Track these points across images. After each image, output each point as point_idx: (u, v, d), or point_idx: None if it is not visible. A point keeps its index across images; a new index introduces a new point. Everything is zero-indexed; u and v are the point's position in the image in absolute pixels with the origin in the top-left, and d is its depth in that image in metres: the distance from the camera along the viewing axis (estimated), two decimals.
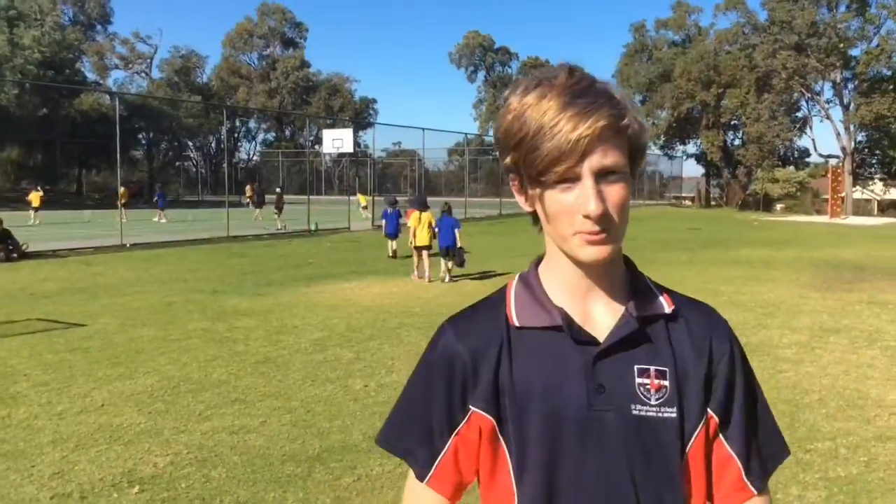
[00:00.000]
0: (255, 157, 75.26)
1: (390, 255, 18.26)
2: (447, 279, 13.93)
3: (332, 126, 41.99)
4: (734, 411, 1.17)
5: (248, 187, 37.68)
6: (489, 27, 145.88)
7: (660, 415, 1.12)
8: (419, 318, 9.70)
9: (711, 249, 20.40)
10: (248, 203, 36.15)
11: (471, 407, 1.17)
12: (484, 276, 14.33)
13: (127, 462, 4.83)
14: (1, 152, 54.70)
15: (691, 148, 61.56)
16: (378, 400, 6.15)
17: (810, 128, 55.06)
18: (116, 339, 8.50)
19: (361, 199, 35.95)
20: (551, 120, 1.04)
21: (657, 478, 1.12)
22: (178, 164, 69.78)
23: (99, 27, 65.76)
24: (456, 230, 13.92)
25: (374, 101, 79.28)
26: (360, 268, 15.73)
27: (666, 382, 1.13)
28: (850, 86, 49.69)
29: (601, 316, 1.16)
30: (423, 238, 14.24)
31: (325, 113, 66.02)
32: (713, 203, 58.92)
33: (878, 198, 58.07)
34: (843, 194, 44.24)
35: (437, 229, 14.23)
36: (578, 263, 1.14)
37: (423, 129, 35.31)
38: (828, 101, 51.42)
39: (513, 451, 1.15)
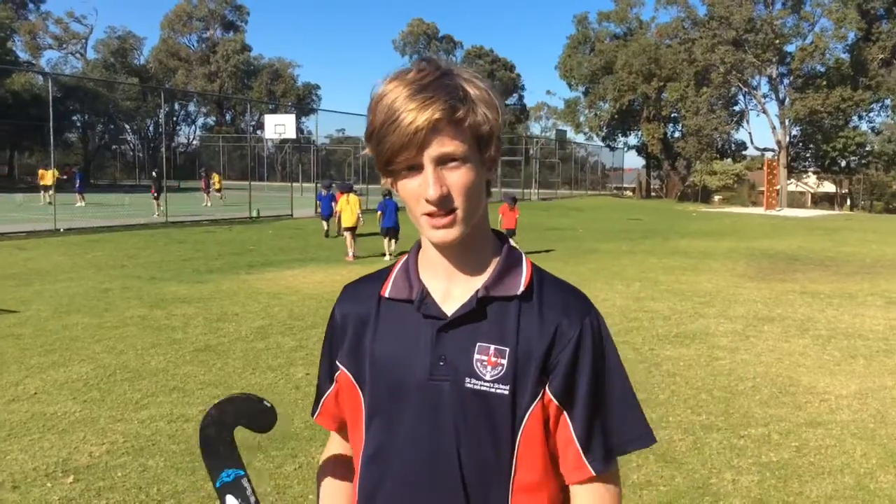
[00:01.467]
0: (194, 142, 73.81)
1: (327, 233, 19.93)
2: (388, 256, 15.11)
3: (274, 111, 41.39)
4: (578, 395, 1.21)
5: (215, 175, 36.54)
6: (433, 15, 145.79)
7: (492, 390, 1.19)
8: None
9: (651, 240, 20.77)
10: (218, 191, 35.23)
11: (337, 362, 1.35)
12: None
13: (61, 451, 4.71)
14: None
15: (632, 139, 62.53)
16: None
17: (747, 121, 56.45)
18: (50, 325, 8.27)
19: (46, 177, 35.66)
20: (393, 113, 1.15)
21: (483, 446, 1.21)
22: (114, 147, 67.95)
23: (31, 6, 63.42)
24: (399, 212, 15.10)
25: (318, 87, 78.44)
26: (303, 255, 15.58)
27: (503, 361, 1.20)
28: (786, 81, 50.95)
29: (459, 294, 1.25)
30: (348, 219, 15.61)
31: (267, 98, 65.07)
32: (653, 194, 60.00)
33: (812, 190, 59.91)
34: (778, 187, 45.50)
35: (380, 212, 15.49)
36: (434, 244, 1.25)
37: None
38: (764, 96, 52.69)
39: (366, 403, 1.29)
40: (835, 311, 9.93)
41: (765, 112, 52.26)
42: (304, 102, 69.60)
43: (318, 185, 25.80)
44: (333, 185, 21.58)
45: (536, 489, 1.23)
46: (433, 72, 1.17)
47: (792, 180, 54.34)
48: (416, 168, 1.17)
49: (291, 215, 27.29)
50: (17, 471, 4.42)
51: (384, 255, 15.34)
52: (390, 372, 1.25)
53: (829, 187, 58.12)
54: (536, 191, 50.70)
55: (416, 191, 1.18)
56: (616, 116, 57.52)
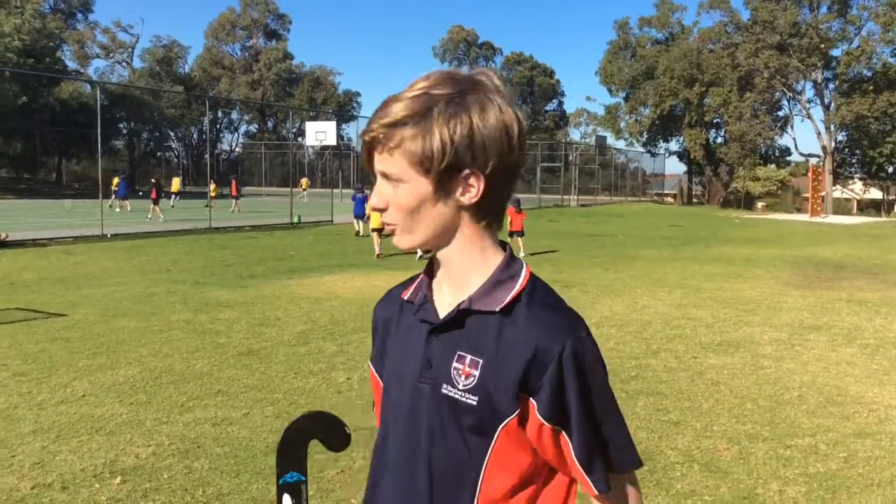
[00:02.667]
0: (237, 149, 74.85)
1: (357, 233, 21.99)
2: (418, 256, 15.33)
3: (315, 118, 41.78)
4: (571, 417, 1.21)
5: (233, 182, 37.54)
6: (473, 22, 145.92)
7: (463, 399, 1.23)
8: None
9: (693, 246, 20.53)
10: (234, 197, 35.92)
11: (370, 363, 1.46)
12: None
13: (108, 453, 4.80)
14: None
15: (674, 145, 61.95)
16: (361, 393, 6.14)
17: (791, 127, 55.69)
18: (97, 329, 8.43)
19: (175, 185, 39.93)
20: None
21: (450, 450, 1.25)
22: (159, 154, 69.22)
23: (80, 15, 65.05)
24: None
25: (358, 94, 79.14)
26: (343, 261, 15.69)
27: (476, 372, 1.23)
28: (831, 86, 50.14)
29: (453, 303, 1.29)
30: (376, 220, 16.03)
31: (308, 105, 65.72)
32: (695, 200, 59.30)
33: (858, 197, 58.66)
34: (823, 193, 44.68)
35: None
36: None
37: None
38: (809, 101, 51.89)
39: (382, 400, 1.39)
40: (883, 319, 9.71)
41: (809, 117, 51.46)
42: (344, 109, 70.19)
43: (355, 190, 27.03)
44: (366, 188, 22.85)
45: (511, 495, 1.25)
46: (419, 88, 1.22)
47: (837, 186, 53.33)
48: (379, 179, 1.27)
49: (331, 221, 27.51)
50: (66, 471, 4.51)
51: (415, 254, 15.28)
52: (395, 371, 1.35)
53: (875, 194, 56.88)
54: (576, 197, 50.43)
55: None
56: (657, 122, 57.02)
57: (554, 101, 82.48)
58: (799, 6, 47.85)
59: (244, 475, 4.47)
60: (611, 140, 61.79)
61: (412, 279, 1.42)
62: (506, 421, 1.22)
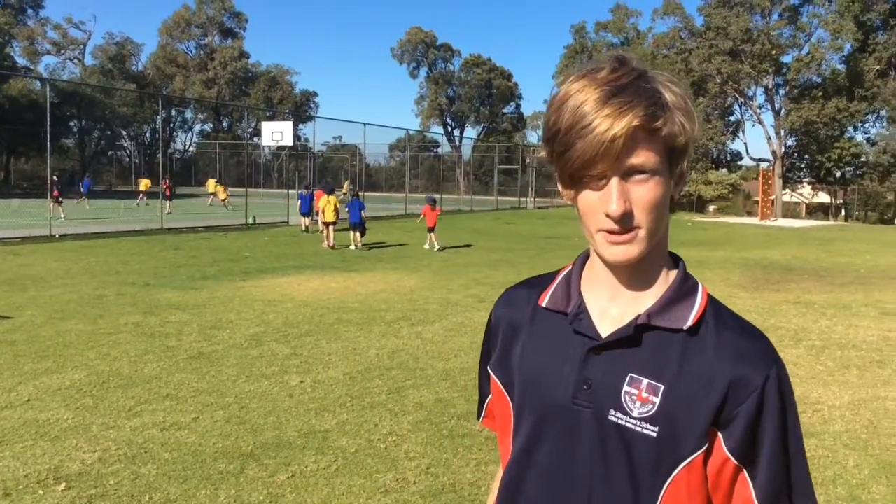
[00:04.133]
0: (191, 148, 73.84)
1: (303, 229, 23.64)
2: (355, 248, 18.47)
3: (271, 118, 41.40)
4: (761, 455, 1.07)
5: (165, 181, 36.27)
6: (432, 23, 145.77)
7: (638, 429, 1.07)
8: (357, 314, 9.65)
9: None
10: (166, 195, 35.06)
11: (488, 368, 1.29)
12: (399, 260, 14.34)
13: (53, 458, 4.70)
14: None
15: None
16: (314, 396, 6.10)
17: (743, 132, 56.67)
18: (44, 332, 8.25)
19: (210, 186, 39.42)
20: (584, 117, 1.03)
21: (618, 489, 1.08)
22: (110, 153, 67.96)
23: (30, 11, 63.53)
24: (362, 211, 18.94)
25: (315, 94, 78.79)
26: (299, 262, 15.57)
27: (656, 398, 1.07)
28: (782, 91, 51.19)
29: (619, 316, 1.14)
30: (329, 215, 19.26)
31: (265, 105, 65.13)
32: None
33: (807, 201, 60.08)
34: (773, 197, 45.64)
35: (347, 209, 19.17)
36: (604, 261, 1.13)
37: (365, 124, 35.02)
38: (760, 106, 52.94)
39: (514, 413, 1.21)
40: (828, 321, 9.94)
41: (760, 122, 52.48)
42: (301, 109, 69.69)
43: (301, 188, 29.28)
44: (312, 187, 25.81)
45: None
46: (628, 73, 1.06)
47: (787, 190, 54.51)
48: (598, 178, 1.06)
49: (287, 222, 27.28)
50: (8, 478, 4.40)
51: (349, 246, 18.64)
52: (536, 385, 1.17)
53: (823, 198, 58.30)
54: (533, 199, 50.77)
55: (596, 204, 1.07)
56: None
57: (511, 103, 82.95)
58: (751, 13, 48.82)
59: (192, 480, 4.41)
60: None
61: (540, 280, 1.30)
62: (690, 458, 1.06)
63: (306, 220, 23.97)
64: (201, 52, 71.67)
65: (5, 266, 13.79)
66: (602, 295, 1.16)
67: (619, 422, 1.08)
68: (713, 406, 1.05)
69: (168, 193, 33.38)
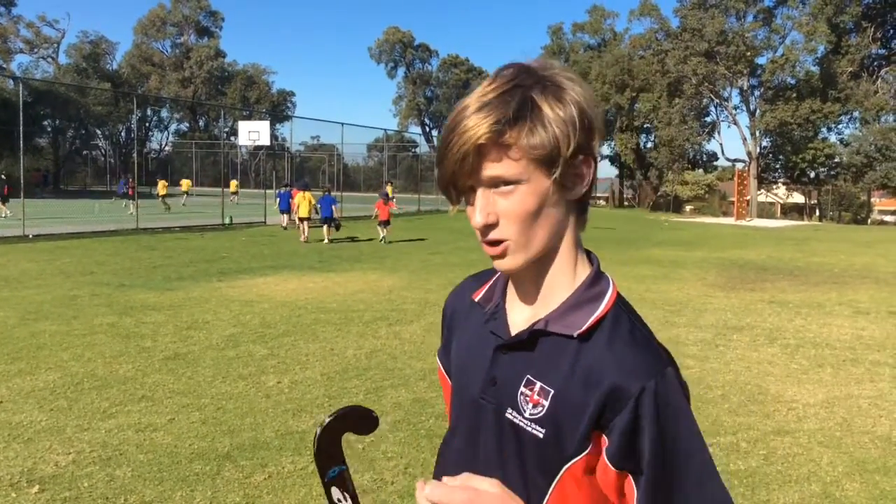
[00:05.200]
0: (167, 148, 73.22)
1: (283, 227, 24.80)
2: (327, 240, 20.14)
3: (248, 118, 41.16)
4: (642, 465, 1.05)
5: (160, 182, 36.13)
6: (409, 23, 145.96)
7: (528, 429, 1.10)
8: (335, 314, 9.62)
9: (624, 249, 20.92)
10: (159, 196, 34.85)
11: (437, 356, 1.38)
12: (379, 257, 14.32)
13: (27, 461, 4.64)
14: None
15: (605, 149, 62.92)
16: (291, 396, 6.07)
17: (718, 132, 57.06)
18: (17, 333, 8.14)
19: (184, 185, 41.12)
20: (447, 135, 1.06)
21: (512, 483, 1.09)
22: (85, 152, 67.20)
23: (2, 9, 62.66)
24: (333, 206, 20.65)
25: (293, 94, 78.30)
26: (276, 262, 15.49)
27: (545, 402, 1.09)
28: (757, 93, 51.66)
29: (529, 318, 1.16)
30: (304, 211, 20.93)
31: (241, 104, 64.75)
32: (626, 203, 60.48)
33: (781, 201, 60.73)
34: (748, 197, 46.06)
35: (318, 205, 20.70)
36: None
37: (342, 124, 34.92)
38: (735, 107, 53.38)
39: (452, 397, 1.29)
40: (803, 320, 10.05)
41: (736, 123, 52.94)
42: (278, 109, 69.35)
43: (281, 187, 30.54)
44: (291, 185, 26.96)
45: None
46: (501, 84, 1.06)
47: (762, 191, 55.03)
48: (472, 192, 1.08)
49: (265, 222, 27.13)
50: None
51: (323, 240, 20.27)
52: (460, 377, 1.24)
53: (798, 198, 58.94)
54: None
55: (470, 218, 1.09)
56: None
57: None
58: (726, 15, 49.24)
59: (168, 482, 4.37)
60: None
61: (486, 275, 1.31)
62: (572, 461, 1.08)
63: (285, 218, 25.00)
64: (177, 50, 71.10)
65: None
66: (517, 296, 1.19)
67: (515, 420, 1.12)
68: (594, 413, 1.06)
69: (131, 193, 31.66)
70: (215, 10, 71.87)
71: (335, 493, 1.15)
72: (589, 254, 1.19)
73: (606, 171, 69.07)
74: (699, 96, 51.77)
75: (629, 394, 1.04)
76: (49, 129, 60.10)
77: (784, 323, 9.82)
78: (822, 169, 51.34)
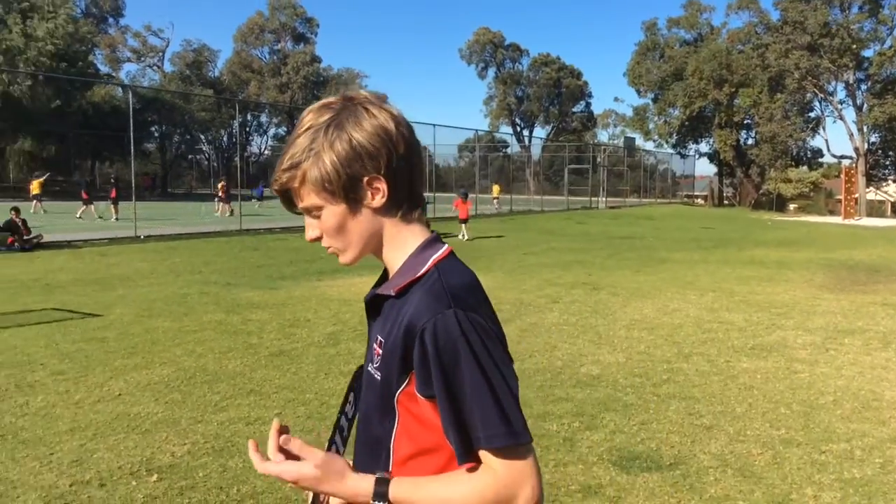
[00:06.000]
0: (266, 151, 75.42)
1: None
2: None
3: None
4: (436, 392, 1.28)
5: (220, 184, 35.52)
6: (500, 23, 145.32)
7: (374, 375, 1.39)
8: None
9: (725, 249, 20.34)
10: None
11: None
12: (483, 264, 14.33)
13: (145, 451, 4.87)
14: (14, 144, 54.86)
15: (704, 147, 61.40)
16: None
17: (823, 128, 54.85)
18: (132, 329, 8.55)
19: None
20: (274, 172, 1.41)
21: (370, 421, 1.42)
22: (190, 157, 69.94)
23: (111, 20, 65.93)
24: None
25: (385, 96, 79.16)
26: (373, 262, 15.59)
27: (381, 351, 1.37)
28: (864, 87, 49.41)
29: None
30: None
31: None
32: (726, 202, 58.75)
33: (892, 199, 57.74)
34: (856, 195, 44.03)
35: None
36: None
37: (434, 126, 35.21)
38: (841, 102, 51.17)
39: None
40: None
41: (841, 119, 50.73)
42: None
43: None
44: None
45: (411, 460, 1.37)
46: (301, 131, 1.36)
47: (871, 189, 52.55)
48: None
49: None
50: (103, 469, 4.58)
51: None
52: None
53: None
54: (605, 199, 50.17)
55: None
56: (686, 123, 56.53)
57: (581, 102, 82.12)
58: (829, 6, 47.24)
59: None
60: (639, 141, 61.46)
61: None
62: (397, 394, 1.34)
63: None
64: (274, 57, 73.15)
65: (95, 266, 14.36)
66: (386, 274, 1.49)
67: (370, 370, 1.42)
68: (401, 350, 1.31)
69: (223, 195, 32.59)
70: (311, 17, 73.65)
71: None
72: (430, 231, 1.47)
73: (704, 168, 67.41)
74: (802, 91, 49.87)
75: (416, 330, 1.28)
76: (156, 135, 62.81)
77: None
78: None
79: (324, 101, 1.41)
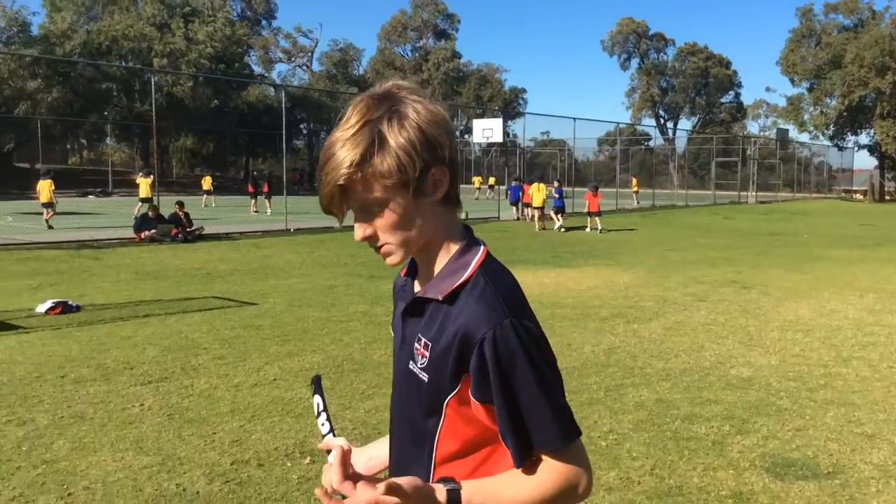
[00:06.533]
0: None
1: (515, 218, 27.76)
2: (560, 229, 23.34)
3: (481, 116, 42.24)
4: (494, 399, 1.31)
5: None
6: (643, 13, 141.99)
7: (419, 375, 1.39)
8: (570, 310, 9.65)
9: (887, 247, 19.03)
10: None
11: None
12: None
13: (298, 434, 5.12)
14: (177, 141, 58.78)
15: (864, 139, 57.57)
16: None
17: None
18: (285, 318, 8.99)
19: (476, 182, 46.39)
20: (319, 171, 1.35)
21: (412, 418, 1.43)
22: None
23: (264, 22, 69.23)
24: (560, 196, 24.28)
25: (524, 90, 79.04)
26: (510, 257, 15.78)
27: (427, 353, 1.37)
28: None
29: (421, 291, 1.45)
30: (538, 201, 24.10)
31: (475, 103, 66.52)
32: (888, 198, 54.88)
33: None
34: None
35: (555, 196, 24.32)
36: None
37: (574, 119, 34.86)
38: None
39: None
40: None
41: None
42: (510, 106, 70.49)
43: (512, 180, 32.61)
44: (519, 179, 30.33)
45: (454, 460, 1.40)
46: (357, 122, 1.30)
47: None
48: (348, 210, 1.38)
49: (498, 217, 27.73)
50: (261, 449, 4.85)
51: (556, 226, 23.81)
52: (394, 338, 1.54)
53: None
54: (754, 193, 48.02)
55: None
56: (845, 114, 53.18)
57: (730, 92, 78.94)
58: None
59: None
60: (793, 133, 58.38)
61: None
62: (448, 398, 1.36)
63: (515, 210, 28.25)
64: (416, 54, 74.52)
65: (250, 257, 15.19)
66: (421, 274, 1.48)
67: (413, 369, 1.41)
68: (456, 357, 1.32)
69: (266, 190, 29.94)
70: (452, 13, 74.52)
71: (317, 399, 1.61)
72: (467, 228, 1.47)
73: (864, 162, 63.26)
74: None
75: (475, 339, 1.30)
76: (305, 132, 65.50)
77: None
78: None
79: (369, 93, 1.36)
